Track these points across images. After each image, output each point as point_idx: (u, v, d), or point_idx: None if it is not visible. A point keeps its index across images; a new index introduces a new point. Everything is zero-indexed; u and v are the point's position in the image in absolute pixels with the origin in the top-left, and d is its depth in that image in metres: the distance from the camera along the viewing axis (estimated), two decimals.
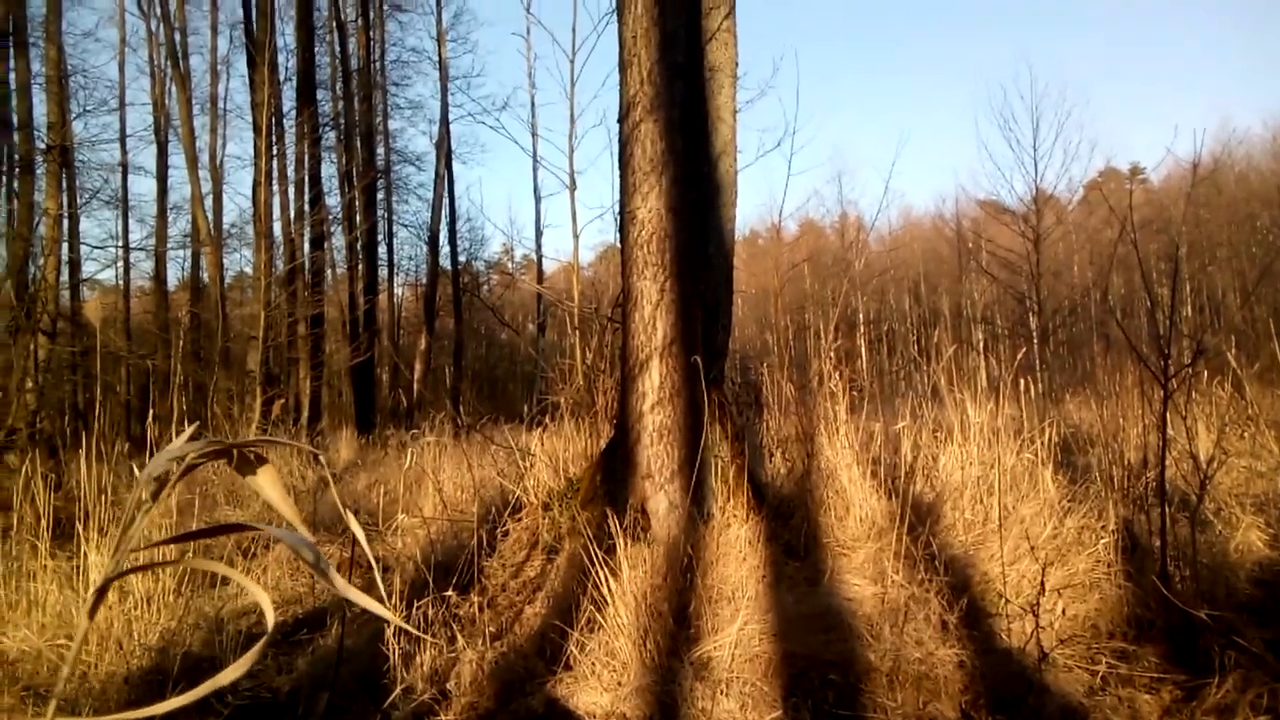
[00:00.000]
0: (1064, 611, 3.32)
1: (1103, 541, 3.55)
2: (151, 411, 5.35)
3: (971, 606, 3.33)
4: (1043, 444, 4.35)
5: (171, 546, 4.19)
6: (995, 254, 22.02)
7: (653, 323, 4.11)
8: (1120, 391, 5.03)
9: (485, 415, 7.49)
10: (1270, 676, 2.61)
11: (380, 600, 0.84)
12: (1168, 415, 3.26)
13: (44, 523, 3.98)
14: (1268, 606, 3.20)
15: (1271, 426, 4.68)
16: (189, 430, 0.77)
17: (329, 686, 3.02)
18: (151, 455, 4.52)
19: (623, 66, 4.38)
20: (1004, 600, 3.40)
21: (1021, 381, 4.81)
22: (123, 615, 3.47)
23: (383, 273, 22.06)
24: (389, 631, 3.08)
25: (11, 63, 11.20)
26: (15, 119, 11.08)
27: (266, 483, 0.82)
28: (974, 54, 66.17)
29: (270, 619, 0.75)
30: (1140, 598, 3.28)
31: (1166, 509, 3.25)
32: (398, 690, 2.95)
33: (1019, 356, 4.88)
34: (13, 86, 11.13)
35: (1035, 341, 18.13)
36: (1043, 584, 3.18)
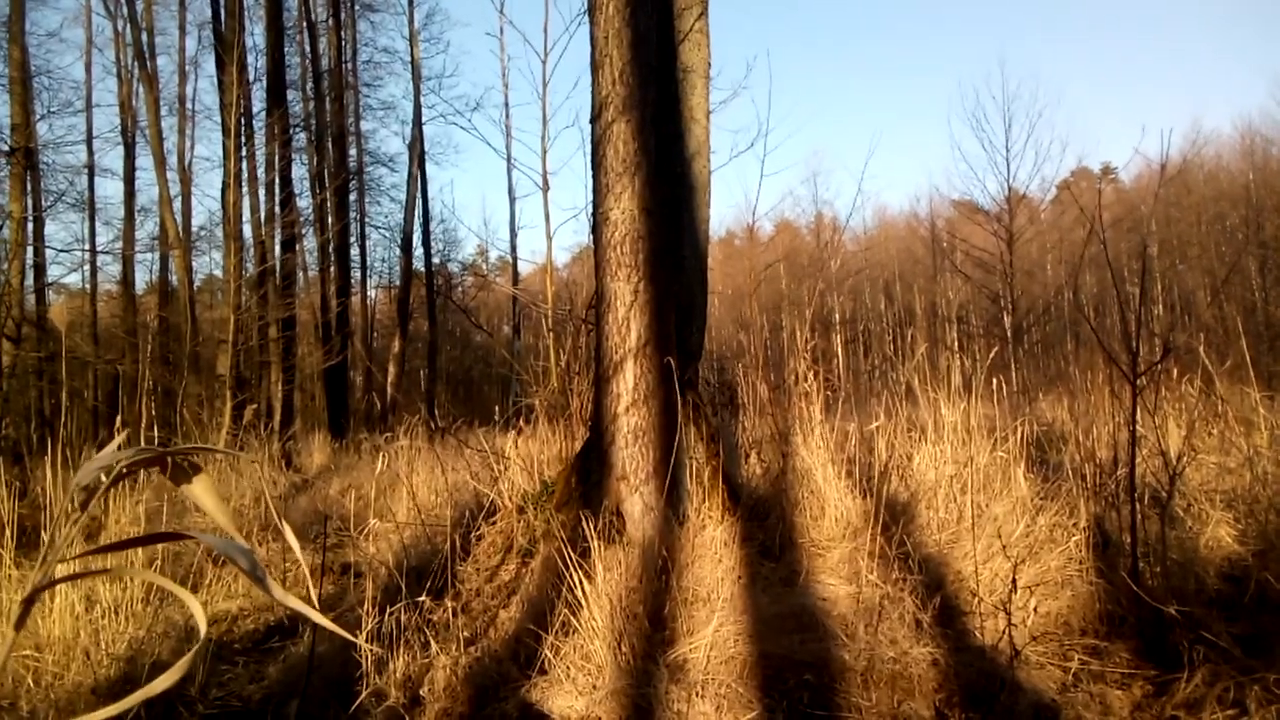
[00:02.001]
0: (1036, 609, 3.34)
1: (1074, 539, 3.58)
2: (119, 417, 5.28)
3: (945, 605, 3.35)
4: (1015, 442, 4.38)
5: (137, 555, 4.12)
6: (969, 254, 22.25)
7: (627, 324, 4.10)
8: (1092, 389, 5.07)
9: (459, 418, 7.44)
10: (1238, 671, 2.64)
11: (315, 609, 0.82)
12: (1137, 412, 3.29)
13: (8, 531, 3.91)
14: (1236, 601, 3.24)
15: (1240, 423, 4.73)
16: (119, 438, 0.75)
17: (300, 694, 2.99)
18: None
19: (594, 67, 4.36)
20: (977, 598, 3.42)
21: (995, 380, 4.85)
22: (89, 624, 3.41)
23: (355, 275, 21.89)
24: (362, 638, 3.05)
25: None
26: None
27: (201, 491, 0.80)
28: (948, 54, 66.84)
29: (203, 626, 0.73)
30: (1111, 594, 3.31)
31: (1137, 506, 3.28)
32: (367, 695, 2.92)
33: (992, 355, 4.92)
34: None
35: (1008, 340, 18.31)
36: (1015, 582, 3.20)
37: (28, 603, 0.70)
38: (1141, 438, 3.51)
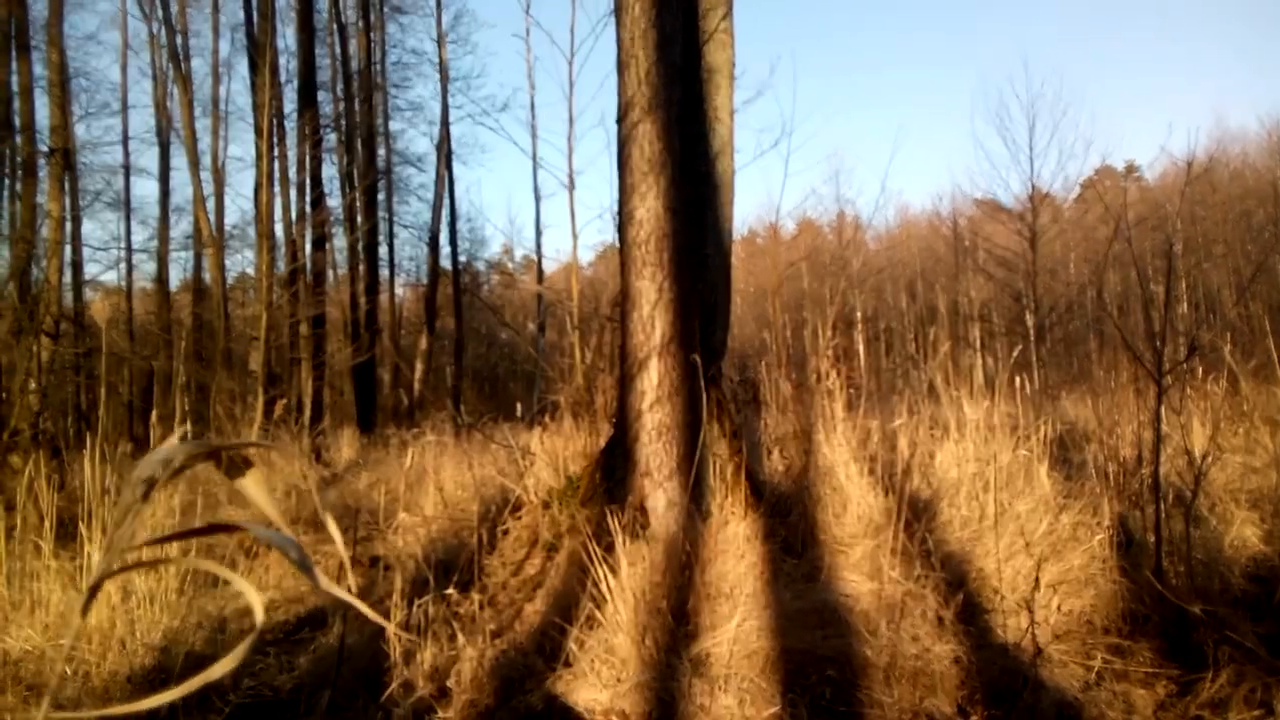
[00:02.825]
0: (1059, 607, 3.34)
1: (1098, 537, 3.57)
2: (155, 412, 5.38)
3: (967, 602, 3.36)
4: (1038, 441, 4.37)
5: (173, 547, 4.22)
6: (992, 252, 22.05)
7: (651, 322, 4.13)
8: (1116, 388, 5.05)
9: (485, 414, 7.51)
10: (1264, 671, 2.63)
11: (364, 604, 0.87)
12: (1162, 411, 3.28)
13: (47, 523, 4.00)
14: (1261, 601, 3.22)
15: (1266, 423, 4.69)
16: (177, 432, 0.80)
17: (330, 684, 3.05)
18: None
19: (620, 67, 4.40)
20: (999, 596, 3.43)
21: (1017, 379, 4.84)
22: (125, 614, 3.49)
23: (384, 273, 22.10)
24: (389, 630, 3.11)
25: (14, 66, 11.22)
26: (18, 122, 11.10)
27: (253, 484, 0.84)
28: (971, 53, 66.14)
29: (259, 614, 0.77)
30: (1135, 593, 3.30)
31: (1161, 505, 3.27)
32: (395, 686, 2.98)
33: (1015, 354, 4.90)
34: (15, 90, 11.15)
35: (1031, 339, 18.14)
36: (1038, 580, 3.21)
37: (93, 590, 0.74)
38: (1166, 437, 3.50)
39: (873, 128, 65.66)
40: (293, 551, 0.79)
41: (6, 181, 12.08)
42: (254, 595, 0.81)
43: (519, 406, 7.15)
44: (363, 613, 0.87)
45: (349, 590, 0.88)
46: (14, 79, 11.19)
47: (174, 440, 0.80)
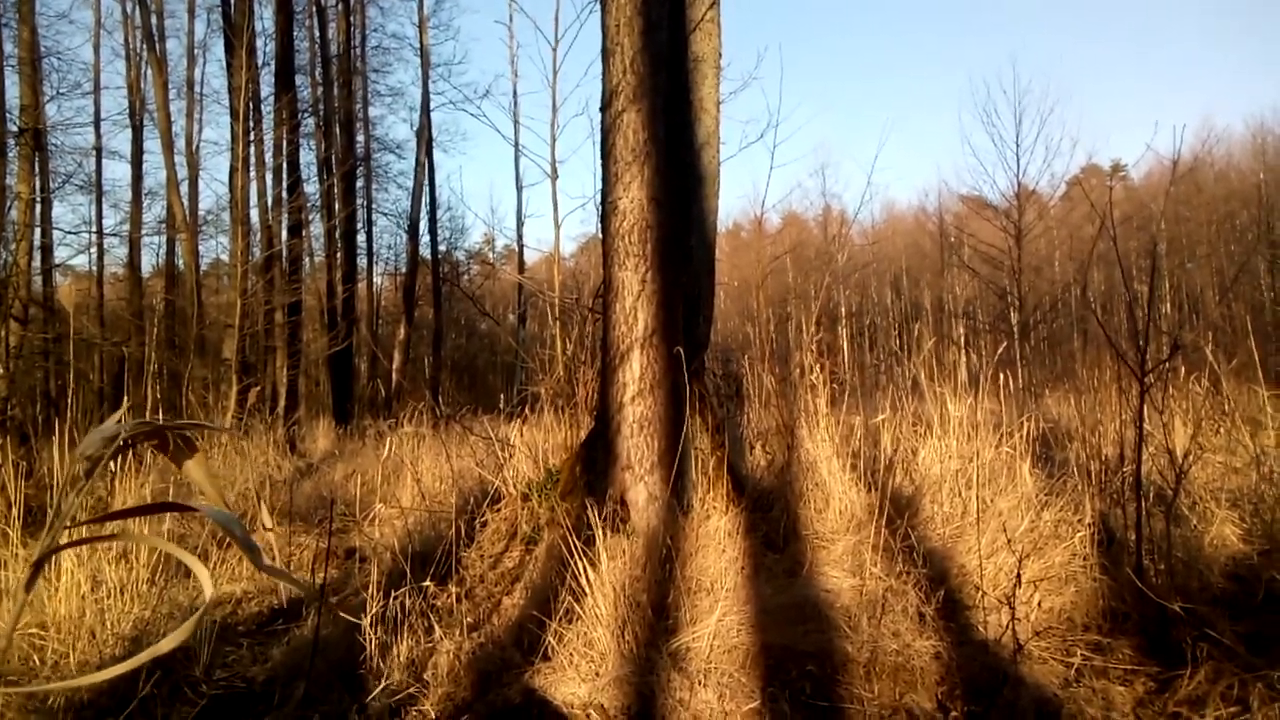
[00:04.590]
0: (1040, 604, 3.35)
1: (1079, 535, 3.58)
2: (126, 400, 5.29)
3: (948, 599, 3.35)
4: (1021, 438, 4.38)
5: (137, 527, 4.14)
6: (977, 249, 22.15)
7: (634, 313, 4.10)
8: (1098, 387, 5.07)
9: (464, 406, 7.45)
10: (1241, 668, 2.64)
11: (303, 583, 0.85)
12: (1144, 410, 3.28)
13: (15, 511, 3.93)
14: (1240, 600, 3.24)
15: (1247, 422, 4.73)
16: (120, 411, 0.77)
17: (305, 676, 3.00)
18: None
19: (605, 55, 4.35)
20: (981, 593, 3.42)
21: (1001, 376, 4.84)
22: (95, 604, 3.43)
23: (362, 261, 21.91)
24: (366, 622, 3.06)
25: None
26: None
27: (196, 469, 0.83)
28: (960, 49, 66.49)
29: (208, 589, 0.75)
30: (1115, 591, 3.31)
31: (1142, 503, 3.28)
32: (370, 678, 2.93)
33: (999, 351, 4.91)
34: None
35: (1015, 336, 18.26)
36: (1019, 576, 3.20)
37: (37, 565, 0.71)
38: (1148, 435, 3.50)
39: (860, 123, 65.94)
40: (236, 530, 0.78)
41: None
42: (202, 570, 0.80)
43: (500, 398, 7.09)
44: (299, 589, 0.84)
45: (303, 578, 0.86)
46: None
47: (116, 418, 0.77)
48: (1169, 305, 29.44)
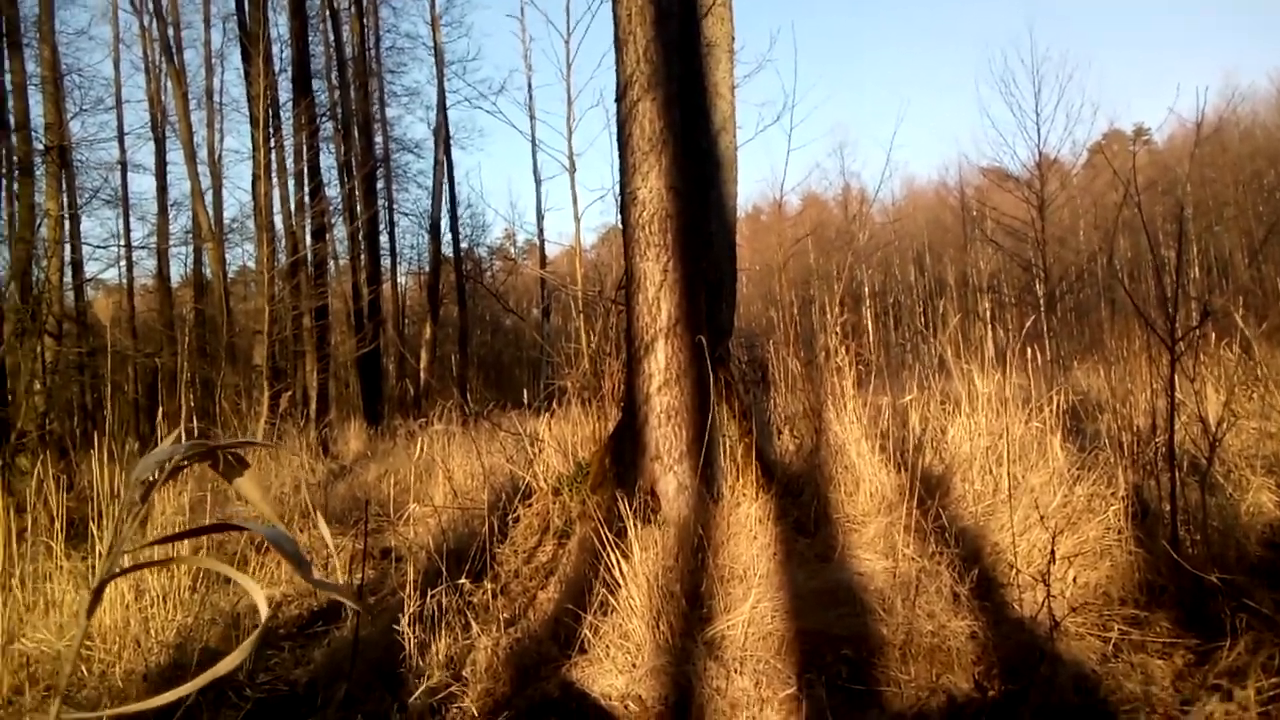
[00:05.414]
0: (1075, 579, 3.32)
1: (1113, 508, 3.55)
2: (160, 410, 5.38)
3: (982, 577, 3.34)
4: (1051, 412, 4.34)
5: (182, 545, 4.22)
6: (1000, 222, 21.92)
7: (657, 303, 4.10)
8: (1128, 356, 5.01)
9: (492, 402, 7.49)
10: None
11: (352, 595, 0.87)
12: (1175, 378, 3.24)
13: (58, 524, 4.01)
14: (1279, 568, 3.20)
15: None
16: (173, 434, 0.79)
17: (346, 677, 3.05)
18: None
19: (618, 44, 4.34)
20: (1015, 570, 3.41)
21: (1029, 350, 4.80)
22: (139, 613, 3.50)
23: (385, 262, 22.06)
24: (404, 621, 3.10)
25: (6, 64, 11.17)
26: (12, 120, 11.05)
27: (249, 485, 0.84)
28: (975, 17, 65.55)
29: (264, 610, 0.77)
30: (1151, 563, 3.28)
31: (1176, 473, 3.24)
32: (410, 676, 2.97)
33: (1026, 325, 4.86)
34: (8, 88, 11.10)
35: (1042, 309, 18.05)
36: (1053, 553, 3.18)
37: (97, 592, 0.74)
38: (1180, 404, 3.46)
39: (876, 99, 65.24)
40: (287, 547, 0.79)
41: (3, 181, 12.05)
42: (257, 592, 0.81)
43: (526, 393, 7.13)
44: (350, 604, 0.86)
45: (347, 587, 0.87)
46: (7, 77, 11.14)
47: (169, 442, 0.79)
48: (1197, 270, 28.94)
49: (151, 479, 0.74)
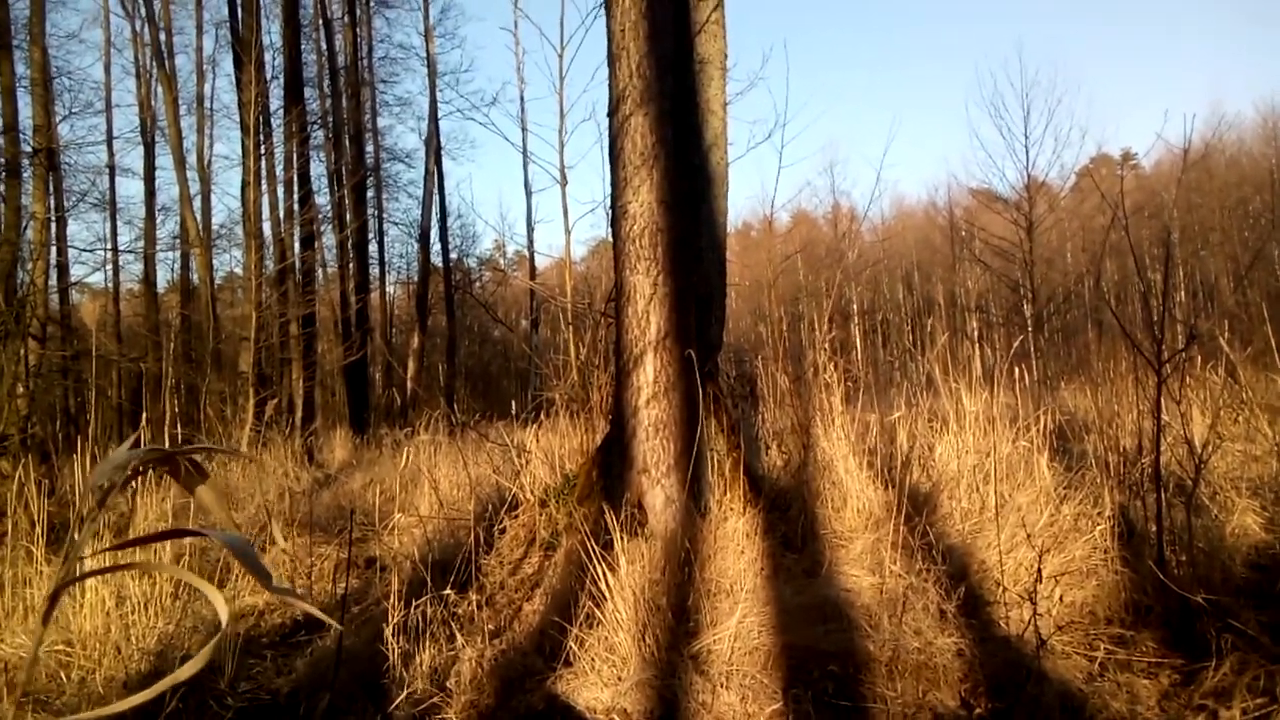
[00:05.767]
0: (1061, 598, 3.33)
1: (1099, 528, 3.56)
2: (144, 415, 5.34)
3: (969, 595, 3.34)
4: (1038, 432, 4.35)
5: (164, 553, 4.18)
6: (988, 242, 22.03)
7: (646, 317, 4.10)
8: (1115, 378, 5.04)
9: (479, 412, 7.47)
10: (1267, 659, 2.62)
11: (313, 605, 0.86)
12: (1162, 401, 3.26)
13: (38, 528, 3.97)
14: (1264, 589, 3.21)
15: (1265, 410, 4.69)
16: (131, 438, 0.78)
17: (329, 687, 3.02)
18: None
19: (611, 60, 4.36)
20: (1002, 588, 3.41)
21: (1016, 369, 4.82)
22: (120, 619, 3.47)
23: (374, 271, 22.01)
24: (388, 631, 3.08)
25: None
26: (0, 122, 10.99)
27: (207, 495, 0.84)
28: (965, 41, 66.21)
29: (224, 617, 0.77)
30: (1137, 583, 3.29)
31: (1162, 494, 3.26)
32: (394, 687, 2.95)
33: (1014, 345, 4.89)
34: None
35: (1029, 329, 18.15)
36: (1040, 571, 3.19)
37: (53, 597, 0.73)
38: (1166, 426, 3.48)
39: (867, 117, 65.64)
40: (247, 555, 0.79)
41: None
42: (218, 598, 0.81)
43: (513, 404, 7.11)
44: (316, 615, 0.85)
45: (301, 595, 0.87)
46: None
47: (128, 444, 0.79)
48: (1184, 294, 29.19)
49: (109, 484, 0.73)
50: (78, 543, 0.76)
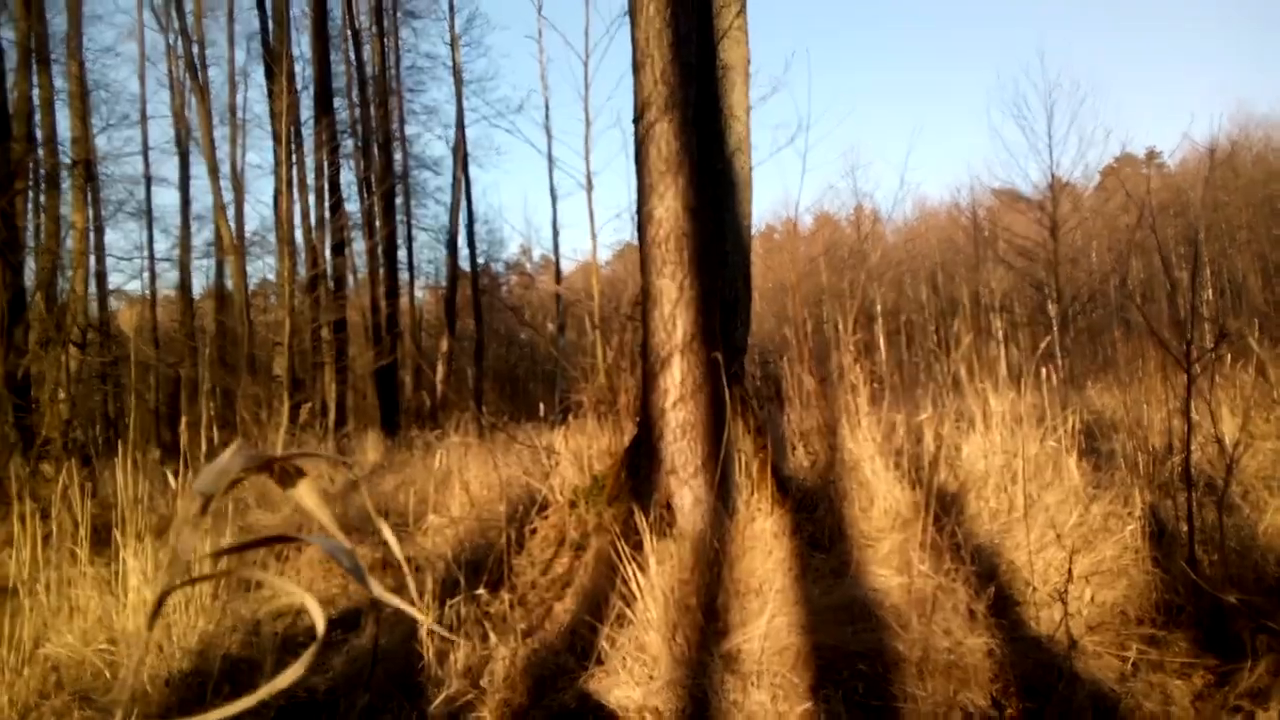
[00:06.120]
0: (1092, 598, 3.32)
1: (1129, 528, 3.55)
2: (184, 419, 5.44)
3: (999, 595, 3.34)
4: (1065, 431, 4.34)
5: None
6: (1012, 242, 21.88)
7: (672, 320, 4.14)
8: (1142, 377, 5.01)
9: (507, 414, 7.54)
10: None
11: (413, 604, 0.88)
12: (1191, 399, 3.25)
13: (82, 530, 4.06)
14: None
15: None
16: (233, 445, 0.82)
17: (366, 686, 3.08)
18: (182, 461, 4.60)
19: (636, 68, 4.40)
20: (1031, 588, 3.41)
21: (1042, 369, 4.80)
22: (161, 619, 3.54)
23: (403, 276, 22.19)
24: (422, 630, 3.13)
25: (34, 79, 11.35)
26: (40, 135, 11.23)
27: (306, 493, 0.86)
28: (987, 43, 65.56)
29: (320, 625, 0.79)
30: (1169, 583, 3.27)
31: (1193, 494, 3.24)
32: (429, 685, 3.00)
33: (1044, 346, 4.87)
34: (36, 103, 11.28)
35: (1055, 329, 17.98)
36: (1070, 571, 3.18)
37: (159, 602, 0.76)
38: (1195, 424, 3.47)
39: (890, 122, 65.14)
40: (346, 560, 0.81)
41: (31, 194, 12.22)
42: (315, 607, 0.82)
43: (541, 406, 7.17)
44: (414, 616, 0.88)
45: (411, 602, 0.90)
46: (35, 92, 11.31)
47: (229, 453, 0.81)
48: (1211, 292, 28.73)
49: (213, 490, 0.76)
50: (184, 549, 0.79)
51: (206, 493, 0.78)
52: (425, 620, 0.89)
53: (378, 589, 0.84)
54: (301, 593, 0.83)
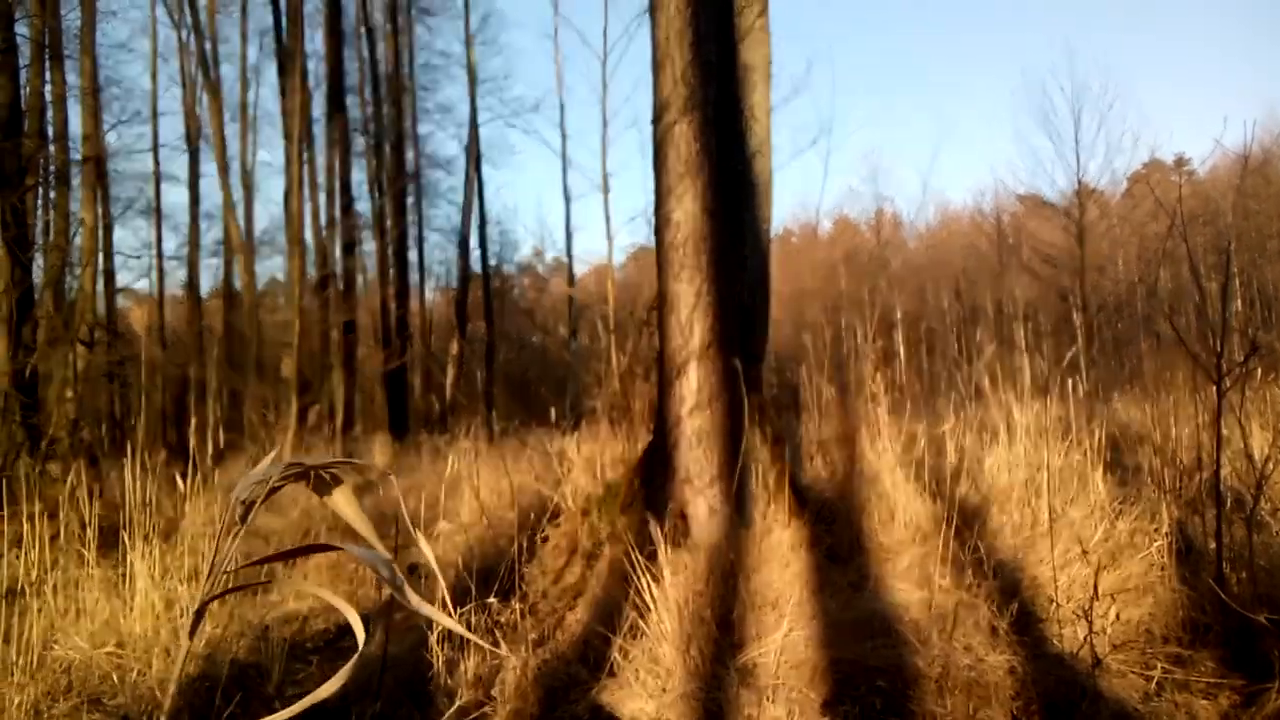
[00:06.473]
0: (1117, 616, 3.25)
1: (1156, 544, 3.48)
2: (193, 420, 5.42)
3: (1022, 611, 3.27)
4: (1091, 444, 4.26)
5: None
6: (1037, 250, 21.71)
7: (690, 326, 4.08)
8: (1170, 390, 4.92)
9: (518, 419, 7.50)
10: None
11: (460, 625, 0.85)
12: (1221, 414, 3.18)
13: (90, 531, 4.02)
14: None
15: None
16: (271, 454, 0.79)
17: (376, 694, 3.03)
18: (189, 463, 4.56)
19: (655, 67, 4.35)
20: (1055, 605, 3.34)
21: (1068, 381, 4.72)
22: (169, 623, 3.50)
23: (414, 277, 22.18)
24: (432, 639, 3.08)
25: (47, 75, 11.36)
26: (51, 131, 11.24)
27: (343, 501, 0.83)
28: (1012, 47, 65.30)
29: (360, 635, 0.76)
30: (1195, 601, 3.20)
31: (1221, 510, 3.17)
32: (439, 695, 2.95)
33: (1070, 356, 4.80)
34: (49, 99, 11.29)
35: (1080, 339, 17.84)
36: (1095, 588, 3.11)
37: (199, 612, 0.73)
38: (1225, 439, 3.39)
39: (913, 126, 64.93)
40: (384, 569, 0.79)
41: (40, 190, 12.24)
42: (355, 617, 0.81)
43: (553, 411, 7.12)
44: (453, 629, 0.84)
45: (452, 616, 0.86)
46: (48, 88, 11.32)
47: (267, 461, 0.79)
48: (1241, 303, 28.48)
49: (253, 498, 0.74)
50: (223, 558, 0.77)
51: (247, 501, 0.76)
52: (469, 635, 0.85)
53: (416, 600, 0.81)
54: (342, 604, 0.81)
